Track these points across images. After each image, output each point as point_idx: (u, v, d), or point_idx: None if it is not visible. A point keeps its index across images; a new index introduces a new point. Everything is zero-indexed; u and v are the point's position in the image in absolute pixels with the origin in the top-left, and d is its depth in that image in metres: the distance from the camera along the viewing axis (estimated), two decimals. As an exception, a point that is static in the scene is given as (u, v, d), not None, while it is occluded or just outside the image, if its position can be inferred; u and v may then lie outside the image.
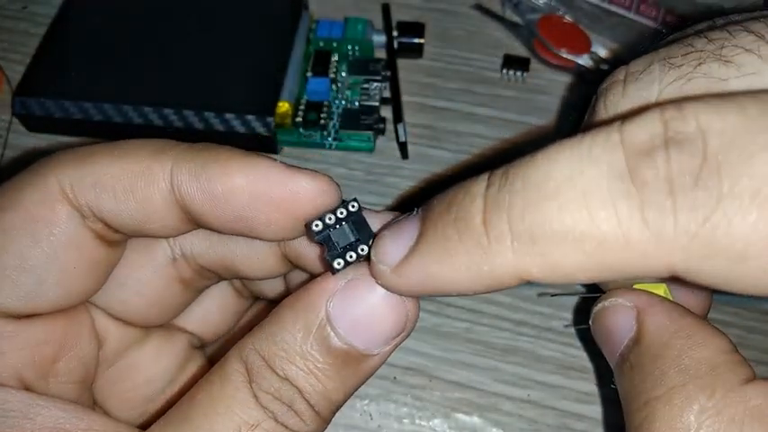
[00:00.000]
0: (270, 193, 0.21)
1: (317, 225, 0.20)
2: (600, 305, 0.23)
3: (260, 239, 0.22)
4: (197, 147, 0.22)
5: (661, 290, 0.23)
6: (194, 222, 0.22)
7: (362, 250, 0.21)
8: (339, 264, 0.20)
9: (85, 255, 0.22)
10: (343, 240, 0.21)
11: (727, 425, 0.18)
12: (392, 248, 0.19)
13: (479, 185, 0.17)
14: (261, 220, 0.21)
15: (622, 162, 0.15)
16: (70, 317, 0.23)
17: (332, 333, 0.20)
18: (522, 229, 0.16)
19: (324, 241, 0.21)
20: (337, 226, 0.21)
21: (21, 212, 0.21)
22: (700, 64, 0.19)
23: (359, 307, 0.21)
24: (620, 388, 0.22)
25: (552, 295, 0.34)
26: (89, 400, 0.24)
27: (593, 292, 0.25)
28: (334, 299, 0.21)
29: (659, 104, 0.16)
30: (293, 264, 0.24)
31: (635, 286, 0.23)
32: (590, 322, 0.24)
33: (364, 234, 0.21)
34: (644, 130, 0.15)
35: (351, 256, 0.20)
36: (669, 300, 0.23)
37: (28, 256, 0.20)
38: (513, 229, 0.16)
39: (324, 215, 0.21)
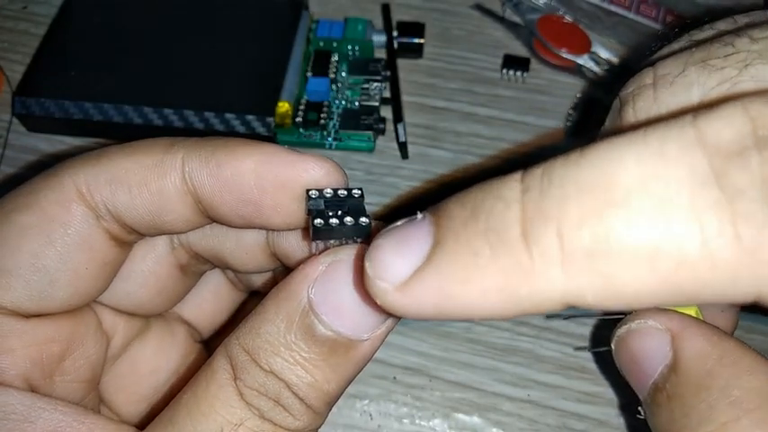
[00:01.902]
0: (276, 173, 0.21)
1: (314, 193, 0.20)
2: (625, 327, 0.21)
3: (269, 228, 0.23)
4: (207, 138, 0.22)
5: (693, 310, 0.21)
6: (206, 214, 0.22)
7: (348, 222, 0.20)
8: (320, 223, 0.19)
9: (98, 256, 0.22)
10: (334, 217, 0.20)
11: None
12: (395, 261, 0.16)
13: (512, 189, 0.15)
14: (268, 203, 0.21)
15: (705, 165, 0.13)
16: (77, 316, 0.23)
17: (315, 321, 0.19)
18: (579, 244, 0.14)
19: (314, 210, 0.20)
20: (333, 203, 0.20)
21: (36, 212, 0.21)
22: (746, 66, 0.17)
23: (342, 291, 0.19)
24: (654, 420, 0.20)
25: (565, 318, 0.32)
26: (95, 398, 0.24)
27: (611, 315, 0.23)
28: (316, 285, 0.19)
29: (737, 97, 0.14)
30: (280, 261, 0.25)
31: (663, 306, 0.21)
32: (612, 345, 0.22)
33: (357, 216, 0.20)
34: (729, 128, 0.13)
35: (334, 223, 0.20)
36: (705, 322, 0.20)
37: (42, 256, 0.21)
38: (566, 244, 0.14)
39: (324, 188, 0.20)
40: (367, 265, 0.17)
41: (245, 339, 0.20)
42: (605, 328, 0.23)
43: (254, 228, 0.23)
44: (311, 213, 0.20)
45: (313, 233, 0.20)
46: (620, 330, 0.21)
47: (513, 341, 0.33)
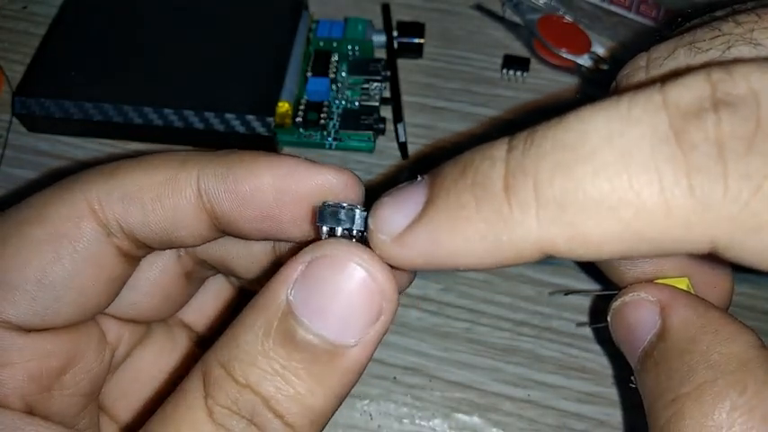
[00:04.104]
0: (296, 188, 0.20)
1: (331, 209, 0.19)
2: (619, 300, 0.23)
3: (288, 240, 0.22)
4: (221, 153, 0.21)
5: (683, 284, 0.23)
6: (220, 228, 0.22)
7: (355, 232, 0.19)
8: (325, 230, 0.19)
9: (105, 272, 0.22)
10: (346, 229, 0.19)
11: (760, 422, 0.18)
12: (394, 215, 0.17)
13: (499, 149, 0.16)
14: (287, 218, 0.21)
15: (666, 124, 0.14)
16: (80, 329, 0.22)
17: (295, 324, 0.18)
18: (551, 195, 0.15)
19: (325, 222, 0.19)
20: (347, 219, 0.19)
21: (46, 227, 0.21)
22: (729, 48, 0.18)
23: (323, 291, 0.18)
24: (642, 385, 0.21)
25: (566, 294, 0.33)
26: (94, 410, 0.24)
27: (608, 290, 0.25)
28: (295, 286, 0.18)
29: (703, 67, 0.15)
30: None
31: (656, 281, 0.23)
32: (608, 319, 0.23)
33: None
34: (690, 92, 0.14)
35: (341, 232, 0.19)
36: (693, 294, 0.22)
37: (49, 272, 0.20)
38: (540, 195, 0.15)
39: (341, 202, 0.20)
40: (370, 221, 0.18)
41: (221, 352, 0.18)
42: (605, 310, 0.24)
43: (271, 240, 0.22)
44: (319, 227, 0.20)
45: (319, 217, 0.19)
46: (615, 303, 0.23)
47: (514, 341, 0.33)
